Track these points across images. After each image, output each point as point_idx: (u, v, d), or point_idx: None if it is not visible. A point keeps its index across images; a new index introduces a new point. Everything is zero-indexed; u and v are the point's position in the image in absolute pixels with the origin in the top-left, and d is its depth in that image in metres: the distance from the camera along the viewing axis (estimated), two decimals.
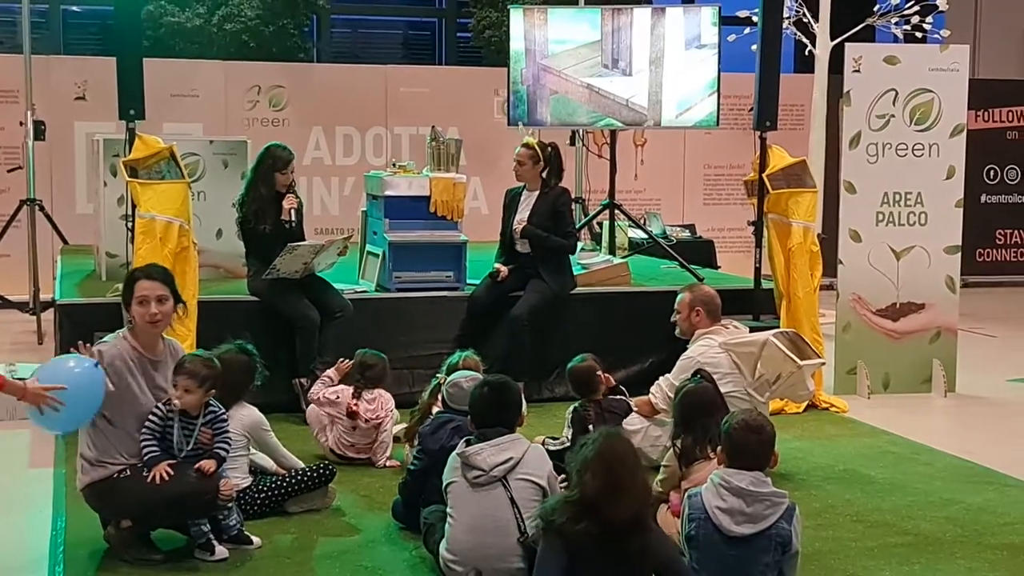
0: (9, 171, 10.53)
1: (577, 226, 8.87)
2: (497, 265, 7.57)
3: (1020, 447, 6.83)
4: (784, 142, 8.32)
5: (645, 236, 9.93)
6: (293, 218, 7.12)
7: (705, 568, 4.02)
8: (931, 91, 8.04)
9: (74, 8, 13.55)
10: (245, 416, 5.34)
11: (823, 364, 6.78)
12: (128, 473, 4.67)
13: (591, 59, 9.01)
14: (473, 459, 4.46)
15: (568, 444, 5.83)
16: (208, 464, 4.74)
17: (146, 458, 4.67)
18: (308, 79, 12.22)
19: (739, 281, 8.80)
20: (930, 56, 8.19)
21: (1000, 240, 13.96)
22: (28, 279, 9.78)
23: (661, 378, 6.07)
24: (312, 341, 6.95)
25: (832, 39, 10.92)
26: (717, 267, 10.81)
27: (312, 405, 6.34)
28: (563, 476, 4.78)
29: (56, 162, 11.11)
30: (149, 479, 4.61)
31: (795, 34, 11.46)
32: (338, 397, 6.20)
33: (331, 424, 6.22)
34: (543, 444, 5.33)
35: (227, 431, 4.90)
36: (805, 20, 11.23)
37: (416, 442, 5.34)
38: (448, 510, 4.53)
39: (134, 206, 6.85)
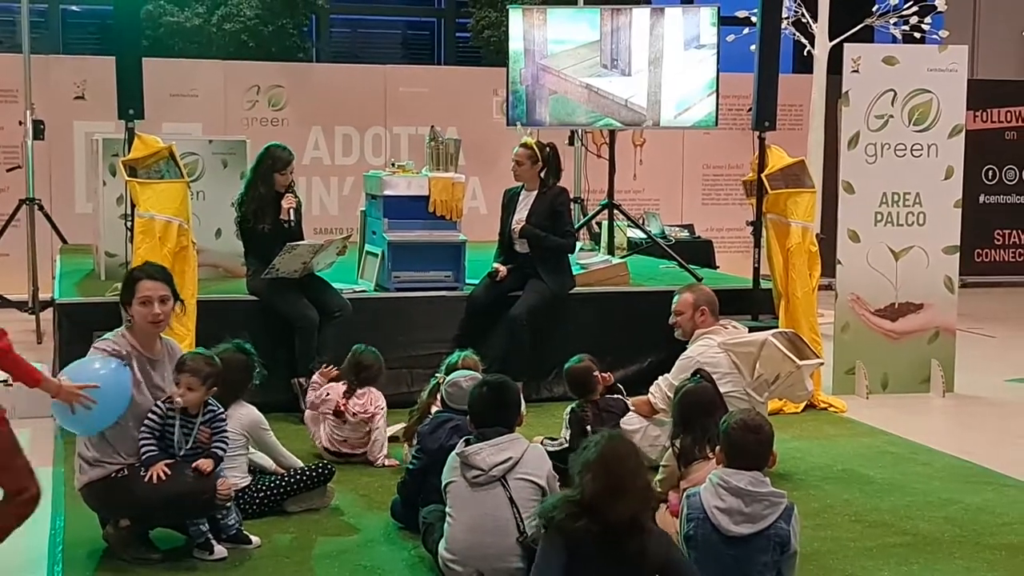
0: (8, 170, 10.53)
1: (576, 226, 8.88)
2: (496, 265, 7.57)
3: (1018, 447, 6.84)
4: (783, 142, 8.33)
5: (644, 236, 9.93)
6: (292, 217, 7.12)
7: (703, 568, 4.01)
8: (930, 91, 8.04)
9: (73, 8, 13.55)
10: (244, 415, 5.34)
11: (822, 364, 6.78)
12: (126, 472, 4.67)
13: (590, 59, 9.01)
14: (472, 459, 4.46)
15: (566, 445, 5.84)
16: (205, 463, 4.74)
17: (144, 457, 4.67)
18: (307, 79, 12.22)
19: (738, 281, 8.80)
20: (929, 56, 8.20)
21: (998, 240, 13.97)
22: (27, 278, 9.77)
23: (660, 378, 6.08)
24: (311, 340, 6.96)
25: (831, 39, 10.93)
26: (716, 267, 10.81)
27: (308, 411, 6.42)
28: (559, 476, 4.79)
29: (55, 161, 11.11)
30: (147, 478, 4.62)
31: (794, 34, 11.48)
32: (328, 395, 6.25)
33: (323, 421, 6.26)
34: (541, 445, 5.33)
35: (225, 430, 4.90)
36: (804, 20, 11.24)
37: (415, 441, 5.35)
38: (447, 509, 4.53)
39: (133, 205, 6.85)
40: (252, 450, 5.44)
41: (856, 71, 8.00)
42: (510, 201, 7.65)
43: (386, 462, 6.15)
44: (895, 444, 6.82)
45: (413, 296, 7.60)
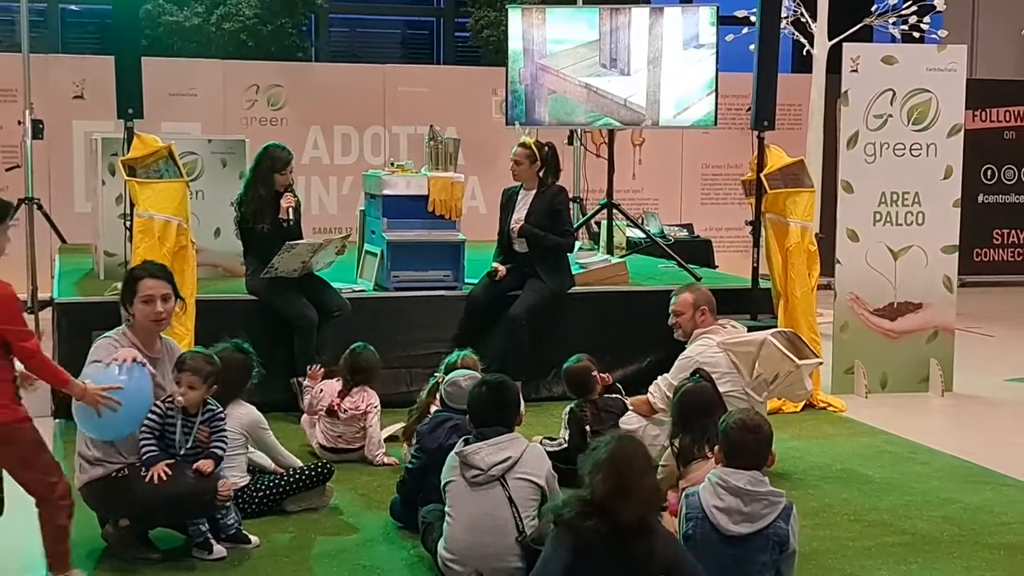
0: (7, 170, 10.53)
1: (575, 225, 8.88)
2: (495, 264, 7.58)
3: (1017, 447, 6.84)
4: (782, 142, 8.33)
5: (643, 236, 9.93)
6: (291, 217, 7.13)
7: (703, 567, 4.02)
8: (929, 91, 8.04)
9: (72, 7, 13.55)
10: (243, 415, 5.35)
11: (821, 364, 6.78)
12: (126, 472, 4.67)
13: (589, 59, 9.01)
14: (471, 458, 4.46)
15: (565, 445, 5.85)
16: (206, 464, 4.75)
17: (145, 457, 4.67)
18: (306, 78, 12.21)
19: (737, 281, 8.81)
20: (928, 56, 8.20)
21: (997, 240, 13.97)
22: (26, 278, 9.75)
23: (659, 377, 6.07)
24: (310, 340, 6.96)
25: (830, 39, 10.93)
26: (715, 267, 10.81)
27: (305, 415, 6.46)
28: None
29: (54, 161, 11.09)
30: (147, 479, 4.62)
31: (793, 34, 11.48)
32: (321, 391, 6.30)
33: (318, 420, 6.29)
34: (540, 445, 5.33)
35: (224, 429, 4.91)
36: (803, 20, 11.24)
37: (414, 441, 5.35)
38: (446, 509, 4.53)
39: (132, 205, 6.85)
40: (251, 449, 5.44)
41: (855, 71, 8.01)
42: (508, 200, 7.65)
43: (385, 459, 6.16)
44: (894, 443, 6.83)
45: (412, 296, 7.60)
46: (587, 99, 9.04)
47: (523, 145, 7.51)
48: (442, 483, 4.57)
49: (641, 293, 8.08)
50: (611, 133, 9.77)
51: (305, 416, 6.47)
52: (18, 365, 4.26)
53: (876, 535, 5.23)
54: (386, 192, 7.67)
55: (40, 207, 9.90)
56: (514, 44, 9.03)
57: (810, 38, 11.19)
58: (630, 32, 8.96)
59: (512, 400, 4.75)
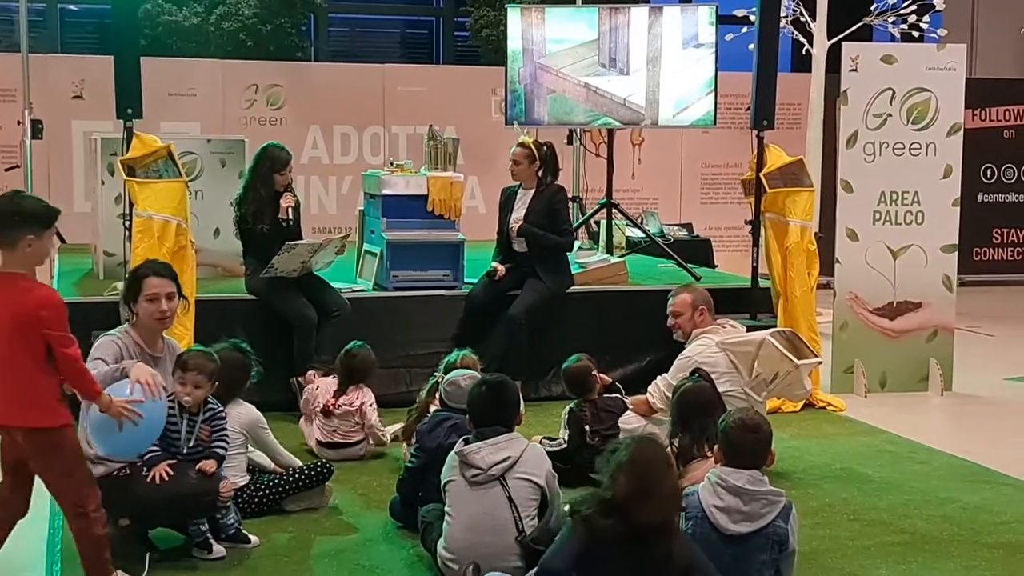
0: (6, 170, 10.54)
1: (574, 225, 8.87)
2: (494, 264, 7.58)
3: (1017, 446, 6.84)
4: (781, 141, 8.33)
5: (642, 235, 9.93)
6: (290, 216, 7.13)
7: None
8: (928, 90, 8.04)
9: (71, 7, 13.55)
10: (243, 414, 5.34)
11: (820, 363, 6.79)
12: (128, 472, 4.67)
13: (588, 58, 9.01)
14: (471, 457, 4.47)
15: (565, 445, 5.85)
16: (209, 464, 4.76)
17: (146, 457, 4.67)
18: (305, 78, 12.21)
19: (736, 280, 8.80)
20: (927, 55, 8.20)
21: (997, 239, 13.98)
22: None
23: (659, 377, 6.07)
24: (309, 340, 6.96)
25: (829, 38, 10.93)
26: (714, 266, 10.81)
27: (303, 417, 6.49)
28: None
29: (53, 161, 11.09)
30: (149, 479, 4.62)
31: (792, 33, 11.48)
32: (317, 388, 6.35)
33: (313, 418, 6.33)
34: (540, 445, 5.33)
35: (225, 428, 4.92)
36: (802, 19, 11.24)
37: (413, 440, 5.35)
38: (446, 508, 4.54)
39: (131, 205, 6.84)
40: (250, 449, 5.44)
41: (855, 70, 8.01)
42: (508, 200, 7.65)
43: (391, 432, 6.24)
44: (893, 443, 6.83)
45: (411, 295, 7.60)
46: (586, 99, 9.04)
47: (522, 145, 7.52)
48: (442, 482, 4.57)
49: (640, 293, 8.08)
50: (610, 132, 9.78)
51: (303, 419, 6.49)
52: None
53: (875, 534, 5.23)
54: (385, 192, 7.67)
55: None
56: (513, 44, 9.03)
57: (809, 37, 11.19)
58: (629, 32, 8.96)
59: (512, 400, 4.75)
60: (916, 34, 11.13)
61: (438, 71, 13.44)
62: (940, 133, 8.06)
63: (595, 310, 7.85)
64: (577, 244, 8.82)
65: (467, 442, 4.54)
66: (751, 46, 8.19)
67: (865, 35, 11.34)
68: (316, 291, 7.14)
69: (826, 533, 5.20)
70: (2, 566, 4.63)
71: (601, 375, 6.10)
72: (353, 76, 12.36)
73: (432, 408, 5.58)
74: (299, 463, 5.53)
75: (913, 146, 8.05)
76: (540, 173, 7.53)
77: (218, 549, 4.80)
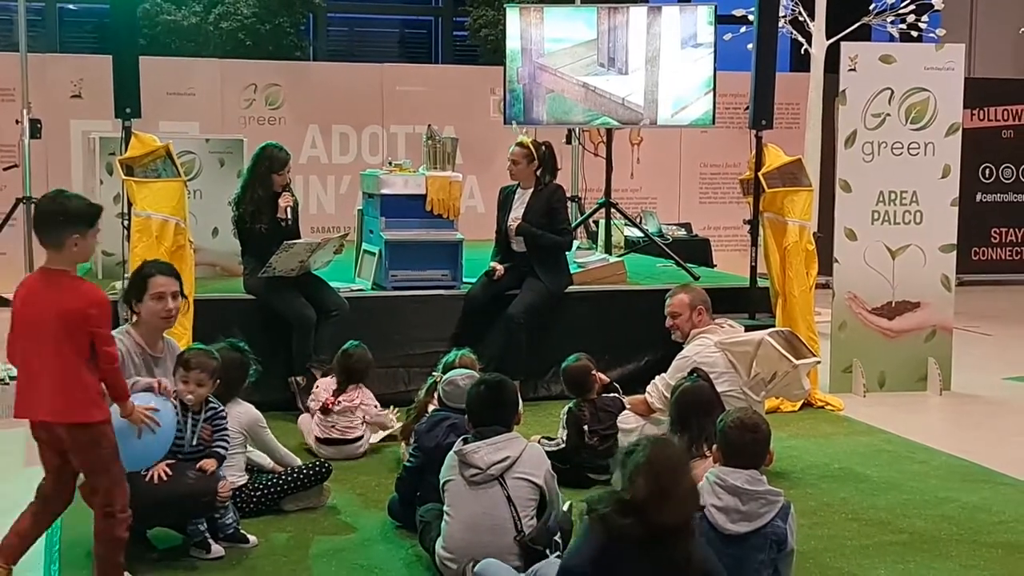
0: (5, 169, 10.54)
1: (573, 224, 8.87)
2: (493, 264, 7.58)
3: (1015, 445, 6.84)
4: (780, 141, 8.33)
5: (641, 235, 9.94)
6: (289, 216, 7.13)
7: None
8: (927, 90, 8.05)
9: (70, 6, 13.56)
10: (242, 413, 5.34)
11: (819, 363, 6.79)
12: (126, 472, 4.66)
13: (587, 58, 9.01)
14: (470, 457, 4.46)
15: (563, 445, 5.85)
16: (210, 464, 4.76)
17: None
18: (304, 77, 12.22)
19: (735, 280, 8.80)
20: (926, 55, 8.20)
21: (995, 239, 13.99)
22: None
23: (657, 377, 6.07)
24: (308, 339, 6.96)
25: (828, 38, 10.94)
26: (713, 266, 10.82)
27: (303, 416, 6.52)
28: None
29: (52, 160, 11.10)
30: (148, 478, 4.62)
31: (791, 33, 11.48)
32: (317, 387, 6.40)
33: (312, 416, 6.36)
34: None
35: (226, 427, 4.92)
36: (801, 19, 11.25)
37: (412, 440, 5.35)
38: (445, 508, 4.53)
39: (130, 204, 6.84)
40: (249, 448, 5.44)
41: (853, 70, 8.01)
42: (506, 199, 7.65)
43: (393, 417, 6.32)
44: (892, 442, 6.83)
45: (410, 295, 7.60)
46: (585, 98, 9.04)
47: (520, 144, 7.52)
48: (441, 482, 4.57)
49: (639, 292, 8.08)
50: (609, 132, 9.78)
51: (303, 416, 6.50)
52: None
53: (874, 534, 5.23)
54: (384, 191, 7.67)
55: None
56: (512, 43, 9.03)
57: (808, 37, 11.20)
58: (628, 31, 8.96)
59: (510, 399, 4.75)
60: (915, 34, 11.14)
61: (437, 71, 13.45)
62: (939, 133, 8.06)
63: (594, 310, 7.85)
64: (576, 244, 8.81)
65: (466, 442, 4.54)
66: (750, 46, 8.19)
67: (864, 35, 11.35)
68: (315, 290, 7.14)
69: (824, 532, 5.20)
70: None
71: (600, 374, 6.10)
72: (352, 76, 12.37)
73: (430, 408, 5.58)
74: (299, 462, 5.53)
75: (912, 146, 8.06)
76: (539, 172, 7.53)
77: (216, 549, 4.79)
